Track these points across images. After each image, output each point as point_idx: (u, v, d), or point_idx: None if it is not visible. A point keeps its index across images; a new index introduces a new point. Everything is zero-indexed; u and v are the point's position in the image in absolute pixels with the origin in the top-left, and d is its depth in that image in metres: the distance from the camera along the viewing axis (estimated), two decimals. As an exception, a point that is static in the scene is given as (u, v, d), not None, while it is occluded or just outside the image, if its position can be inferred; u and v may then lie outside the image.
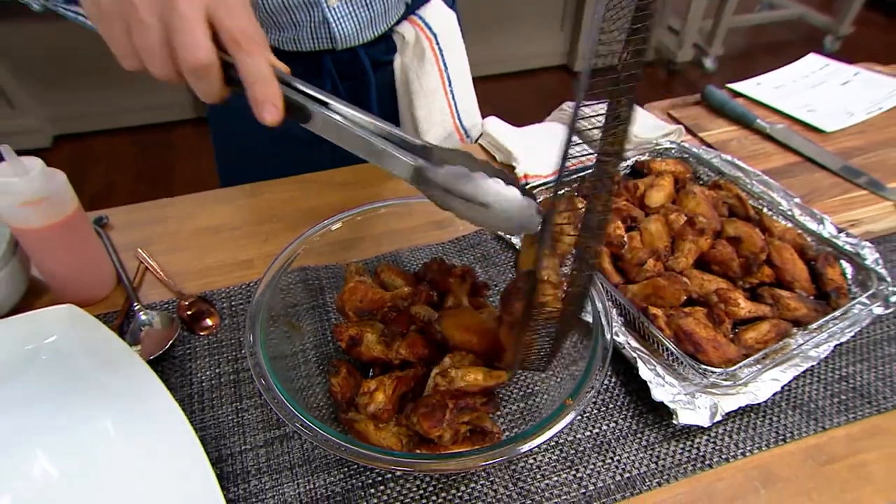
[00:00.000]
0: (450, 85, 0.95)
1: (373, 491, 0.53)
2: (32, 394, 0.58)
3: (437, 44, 0.91)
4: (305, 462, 0.55)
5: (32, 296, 0.69)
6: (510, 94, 3.06)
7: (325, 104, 0.44)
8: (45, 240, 0.61)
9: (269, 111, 0.41)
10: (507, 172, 0.43)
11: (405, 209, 0.69)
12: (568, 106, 0.99)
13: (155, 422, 0.55)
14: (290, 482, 0.54)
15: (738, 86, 1.05)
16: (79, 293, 0.67)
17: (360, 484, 0.53)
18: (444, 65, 0.94)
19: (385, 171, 0.44)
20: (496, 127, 0.96)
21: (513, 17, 2.98)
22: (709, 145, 0.94)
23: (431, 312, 0.57)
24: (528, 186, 0.82)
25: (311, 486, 0.53)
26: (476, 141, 0.98)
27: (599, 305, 0.57)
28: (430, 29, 0.90)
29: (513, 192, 0.42)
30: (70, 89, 2.44)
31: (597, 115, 0.33)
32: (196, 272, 0.74)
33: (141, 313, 0.66)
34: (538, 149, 0.91)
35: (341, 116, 0.43)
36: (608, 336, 0.55)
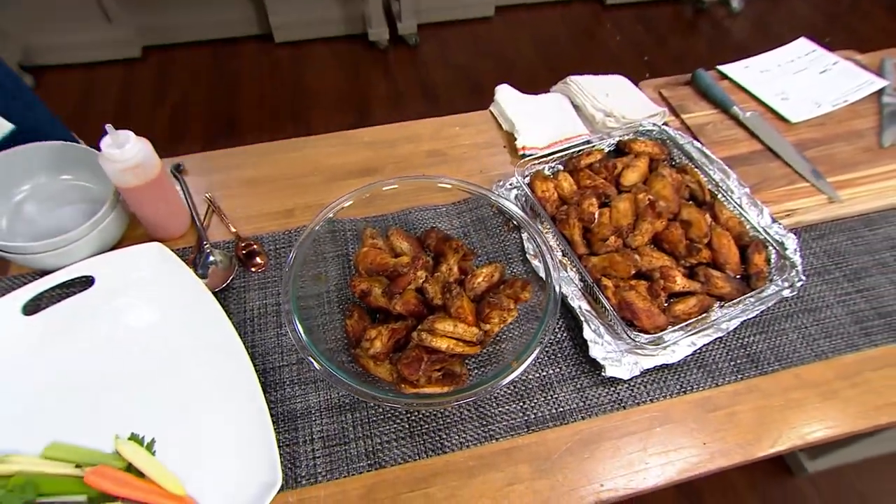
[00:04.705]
0: None
1: (372, 403, 0.63)
2: (130, 311, 0.69)
3: None
4: (326, 378, 0.65)
5: (132, 229, 0.78)
6: (544, 23, 2.93)
7: None
8: (139, 194, 0.69)
9: None
10: None
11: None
12: (571, 80, 1.00)
13: (217, 340, 0.64)
14: (313, 392, 0.64)
15: (726, 68, 1.03)
16: (163, 231, 0.76)
17: (363, 398, 0.64)
18: None
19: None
20: (505, 95, 0.98)
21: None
22: (688, 128, 0.94)
23: (437, 291, 0.64)
24: (525, 158, 0.87)
25: (329, 396, 0.64)
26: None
27: (555, 274, 0.64)
28: None
29: None
30: (158, 4, 2.45)
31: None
32: (249, 217, 0.80)
33: (210, 254, 0.74)
34: (540, 121, 0.93)
35: None
36: (558, 296, 0.62)
